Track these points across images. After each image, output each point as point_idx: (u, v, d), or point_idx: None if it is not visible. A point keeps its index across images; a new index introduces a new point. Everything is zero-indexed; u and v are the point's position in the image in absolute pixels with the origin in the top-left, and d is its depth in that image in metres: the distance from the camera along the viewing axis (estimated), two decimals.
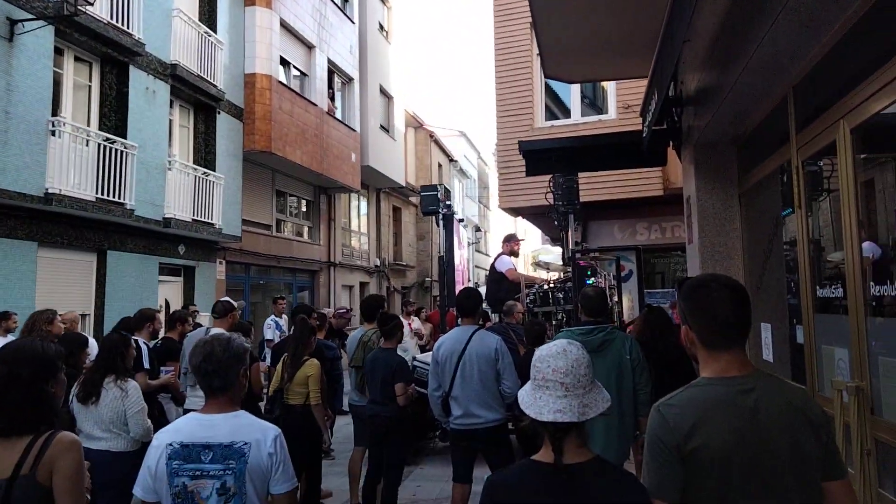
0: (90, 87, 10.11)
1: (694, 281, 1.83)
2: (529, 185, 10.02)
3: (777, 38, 2.99)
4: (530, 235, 26.41)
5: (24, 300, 8.24)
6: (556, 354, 1.77)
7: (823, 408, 3.26)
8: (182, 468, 2.12)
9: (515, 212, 11.31)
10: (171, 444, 2.14)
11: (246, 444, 2.14)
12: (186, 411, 4.88)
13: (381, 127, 20.17)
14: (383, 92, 20.53)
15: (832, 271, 3.43)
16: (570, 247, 6.38)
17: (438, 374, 4.50)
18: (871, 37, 2.73)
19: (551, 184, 7.23)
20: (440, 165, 29.03)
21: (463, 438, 4.47)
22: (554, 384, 1.73)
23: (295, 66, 15.32)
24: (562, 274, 7.28)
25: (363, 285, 20.79)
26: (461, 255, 12.21)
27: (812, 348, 3.47)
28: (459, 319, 4.68)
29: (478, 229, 36.03)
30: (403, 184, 22.41)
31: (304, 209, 17.50)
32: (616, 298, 6.90)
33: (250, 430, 2.19)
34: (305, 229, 17.54)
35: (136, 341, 4.93)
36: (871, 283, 2.84)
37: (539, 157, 5.43)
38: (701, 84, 4.47)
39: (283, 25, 14.43)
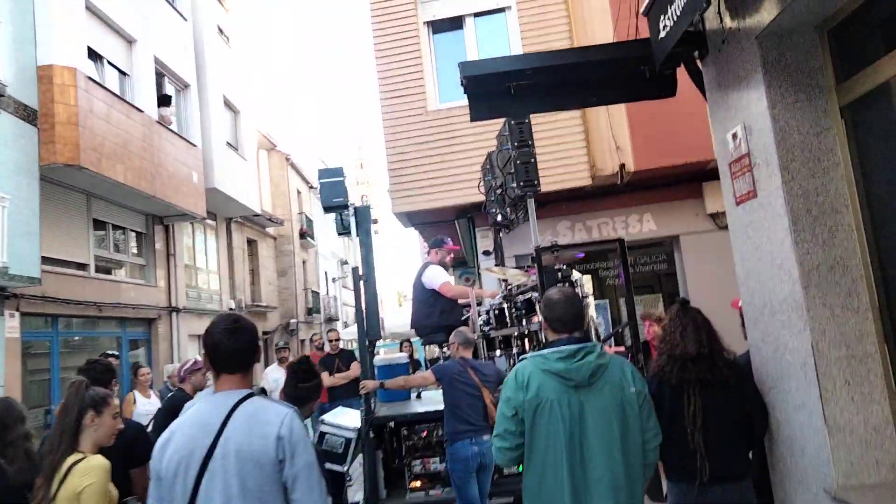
0: None
1: None
2: (433, 182, 8.04)
3: None
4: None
5: None
6: None
7: None
8: None
9: (413, 219, 9.18)
10: None
11: None
12: None
13: (228, 144, 17.30)
14: (228, 105, 17.71)
15: None
16: (535, 244, 4.48)
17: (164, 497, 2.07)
18: None
19: (489, 166, 5.35)
20: (299, 192, 26.36)
21: None
22: None
23: (110, 63, 12.24)
24: (518, 283, 5.28)
25: None
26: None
27: None
28: (212, 376, 2.26)
29: (344, 263, 33.54)
30: (259, 211, 19.52)
31: (133, 244, 14.16)
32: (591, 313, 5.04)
33: None
34: (136, 268, 14.20)
35: None
36: None
37: (490, 87, 3.45)
38: None
39: (90, 9, 11.42)
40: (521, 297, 5.01)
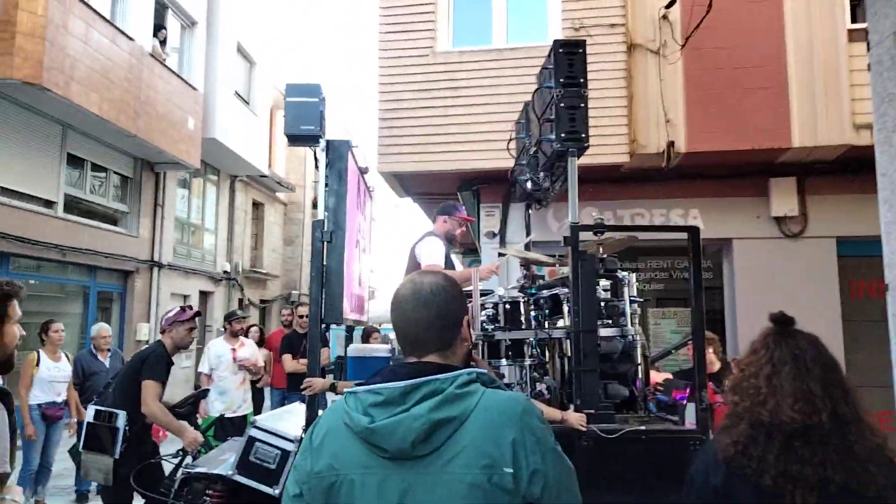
0: None
1: None
2: (432, 140, 6.48)
3: None
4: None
5: None
6: None
7: None
8: None
9: (407, 185, 7.55)
10: None
11: None
12: None
13: (238, 95, 15.94)
14: (242, 52, 16.34)
15: None
16: (572, 219, 3.13)
17: None
18: None
19: (524, 121, 3.90)
20: (317, 161, 24.95)
21: None
22: None
23: None
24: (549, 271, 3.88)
25: (204, 295, 16.27)
26: (360, 229, 5.53)
27: None
28: None
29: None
30: (266, 172, 18.18)
31: (115, 186, 12.87)
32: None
33: None
34: (117, 215, 12.92)
35: None
36: None
37: None
38: None
39: None
40: (544, 292, 3.52)
